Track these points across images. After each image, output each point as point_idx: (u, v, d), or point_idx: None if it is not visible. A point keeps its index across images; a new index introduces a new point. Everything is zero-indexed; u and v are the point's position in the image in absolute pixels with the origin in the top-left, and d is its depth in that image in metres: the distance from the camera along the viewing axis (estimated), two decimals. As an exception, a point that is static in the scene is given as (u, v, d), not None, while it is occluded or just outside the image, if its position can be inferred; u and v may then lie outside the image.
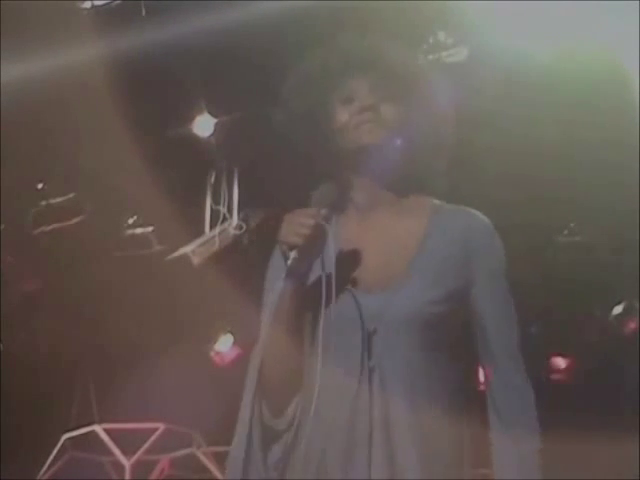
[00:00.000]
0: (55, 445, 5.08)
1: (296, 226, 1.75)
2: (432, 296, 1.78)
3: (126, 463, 4.88)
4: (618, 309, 5.60)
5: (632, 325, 5.61)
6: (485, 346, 1.85)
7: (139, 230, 5.36)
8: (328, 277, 1.76)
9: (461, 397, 1.82)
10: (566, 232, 5.34)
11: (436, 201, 1.96)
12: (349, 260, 1.84)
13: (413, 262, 1.83)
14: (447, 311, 1.79)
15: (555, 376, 5.74)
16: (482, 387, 1.90)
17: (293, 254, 1.73)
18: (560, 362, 5.78)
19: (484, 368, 1.87)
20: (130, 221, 5.38)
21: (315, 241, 1.74)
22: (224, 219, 4.99)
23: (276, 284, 1.82)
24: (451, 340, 1.82)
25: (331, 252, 1.76)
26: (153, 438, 5.00)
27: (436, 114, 1.92)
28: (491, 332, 1.84)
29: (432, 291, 1.79)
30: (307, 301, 1.80)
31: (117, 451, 4.94)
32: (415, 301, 1.77)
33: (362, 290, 1.81)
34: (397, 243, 1.86)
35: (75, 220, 5.16)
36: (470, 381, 1.88)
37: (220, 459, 5.30)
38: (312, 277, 1.81)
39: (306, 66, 1.97)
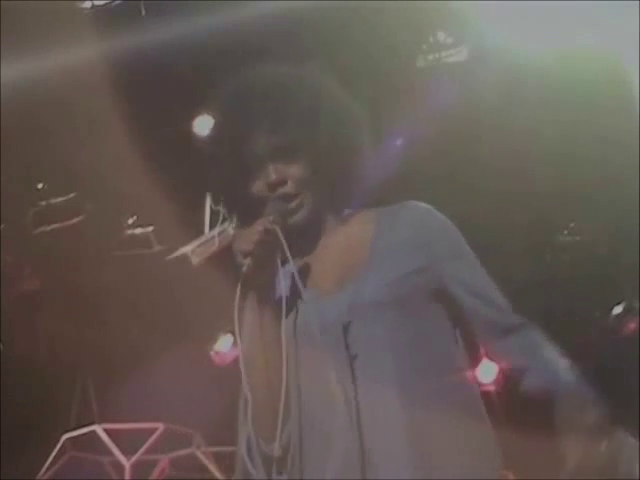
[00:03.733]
0: (55, 445, 5.07)
1: (247, 235, 1.82)
2: (393, 276, 1.83)
3: (126, 463, 4.88)
4: (618, 309, 5.59)
5: (632, 325, 5.60)
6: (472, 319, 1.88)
7: (139, 230, 5.36)
8: (292, 281, 1.83)
9: (449, 376, 1.83)
10: (566, 232, 5.33)
11: (374, 209, 2.00)
12: (307, 271, 1.90)
13: (369, 257, 1.89)
14: (414, 289, 1.84)
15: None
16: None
17: (247, 260, 1.79)
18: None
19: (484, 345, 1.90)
20: (130, 221, 5.38)
21: (267, 245, 1.80)
22: (224, 219, 4.98)
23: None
24: (434, 319, 1.86)
25: (288, 256, 1.81)
26: (153, 438, 4.99)
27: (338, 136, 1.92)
28: (469, 303, 1.87)
29: (392, 273, 1.84)
30: (278, 314, 1.83)
31: (117, 451, 4.93)
32: (378, 285, 1.82)
33: (326, 293, 1.87)
34: (350, 248, 1.92)
35: (75, 220, 5.16)
36: (460, 360, 1.89)
37: (220, 459, 5.30)
38: (278, 290, 1.86)
39: (218, 112, 2.03)
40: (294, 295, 1.86)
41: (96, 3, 4.25)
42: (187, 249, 4.93)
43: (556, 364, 1.84)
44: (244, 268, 1.79)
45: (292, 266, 1.82)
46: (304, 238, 1.93)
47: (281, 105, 1.90)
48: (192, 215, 4.99)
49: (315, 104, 1.93)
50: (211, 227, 5.05)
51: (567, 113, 4.16)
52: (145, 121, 4.47)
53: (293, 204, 1.89)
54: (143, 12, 4.17)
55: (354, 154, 1.95)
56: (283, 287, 1.83)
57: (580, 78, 4.02)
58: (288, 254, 1.81)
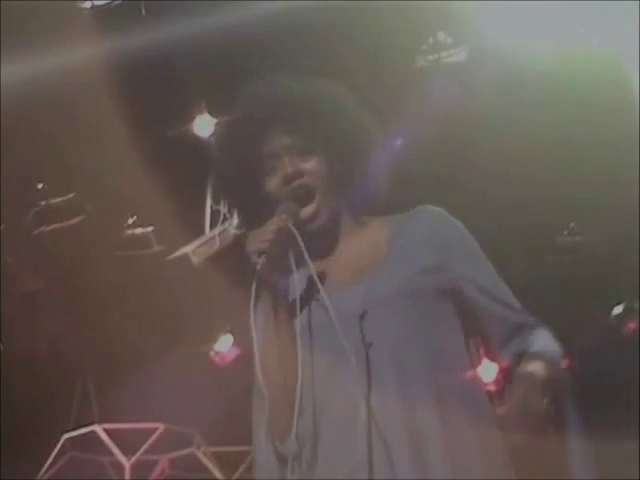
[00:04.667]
0: (55, 445, 5.07)
1: (260, 234, 1.84)
2: (407, 274, 1.87)
3: (126, 463, 4.88)
4: (618, 309, 5.60)
5: (632, 325, 5.61)
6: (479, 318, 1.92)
7: (139, 230, 5.36)
8: (307, 282, 1.85)
9: (461, 372, 1.86)
10: (566, 232, 5.33)
11: (388, 216, 2.04)
12: (322, 276, 1.90)
13: (384, 256, 1.92)
14: (426, 284, 1.87)
15: (555, 376, 5.72)
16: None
17: (261, 259, 1.79)
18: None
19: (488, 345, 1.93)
20: (130, 221, 5.38)
21: (281, 244, 1.82)
22: (224, 219, 4.99)
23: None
24: (441, 311, 1.89)
25: (304, 253, 1.83)
26: (153, 438, 4.99)
27: (356, 144, 1.99)
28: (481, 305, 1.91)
29: (406, 270, 1.87)
30: (292, 313, 1.85)
31: (117, 451, 4.93)
32: (392, 281, 1.86)
33: (340, 287, 1.89)
34: (366, 250, 1.96)
35: (75, 220, 5.16)
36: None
37: (220, 459, 5.30)
38: (292, 291, 1.88)
39: (234, 116, 2.06)
40: (309, 295, 1.87)
41: (96, 3, 4.25)
42: (188, 249, 4.93)
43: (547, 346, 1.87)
44: (258, 267, 1.80)
45: (311, 267, 1.84)
46: (320, 238, 1.95)
47: (298, 107, 1.96)
48: (192, 215, 5.00)
49: (331, 108, 1.99)
50: (211, 227, 5.06)
51: (567, 114, 4.16)
52: (145, 121, 4.46)
53: (307, 200, 1.92)
54: (143, 12, 4.17)
55: (367, 157, 2.00)
56: (298, 288, 1.84)
57: (580, 79, 4.02)
58: (305, 252, 1.83)
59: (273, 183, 1.95)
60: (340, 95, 2.04)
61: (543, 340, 1.90)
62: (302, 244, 1.83)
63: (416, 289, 1.85)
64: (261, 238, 1.82)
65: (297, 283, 1.85)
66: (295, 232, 1.83)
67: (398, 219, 2.00)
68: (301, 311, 1.84)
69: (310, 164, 1.94)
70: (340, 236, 1.99)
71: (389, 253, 1.92)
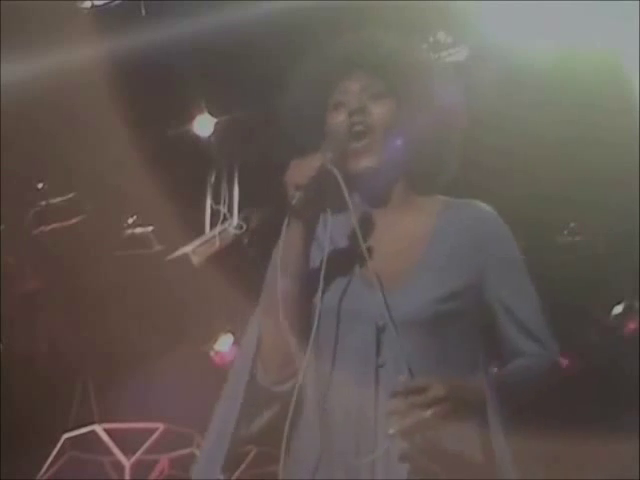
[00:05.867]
0: (55, 445, 5.07)
1: (302, 168, 1.74)
2: (439, 294, 1.77)
3: (126, 463, 4.87)
4: (618, 309, 5.60)
5: (632, 325, 5.61)
6: (507, 336, 1.85)
7: (139, 230, 5.36)
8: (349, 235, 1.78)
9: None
10: (566, 232, 5.34)
11: (442, 197, 1.96)
12: (357, 250, 1.81)
13: (421, 260, 1.82)
14: (456, 309, 1.79)
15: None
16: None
17: (298, 194, 1.71)
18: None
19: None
20: (130, 221, 5.38)
21: (321, 183, 1.73)
22: (224, 219, 5.00)
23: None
24: (463, 338, 1.80)
25: (345, 195, 1.74)
26: (153, 438, 4.99)
27: (438, 108, 1.89)
28: (510, 320, 1.85)
29: (439, 289, 1.78)
30: (316, 278, 1.77)
31: (117, 451, 4.93)
32: (422, 300, 1.76)
33: (371, 284, 1.78)
34: (405, 241, 1.85)
35: (75, 220, 5.16)
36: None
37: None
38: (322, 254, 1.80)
39: (303, 72, 1.98)
40: (349, 253, 1.79)
41: (96, 3, 4.24)
42: (188, 249, 4.94)
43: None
44: (294, 201, 1.71)
45: (354, 219, 1.76)
46: (368, 184, 1.87)
47: (382, 52, 1.88)
48: (192, 215, 5.00)
49: (416, 62, 1.92)
50: (211, 227, 5.07)
51: (567, 113, 4.16)
52: (145, 121, 4.47)
53: (363, 143, 1.83)
54: (143, 12, 4.17)
55: (442, 122, 1.91)
56: (331, 238, 1.78)
57: (580, 78, 4.02)
58: (348, 200, 1.73)
59: (336, 118, 1.87)
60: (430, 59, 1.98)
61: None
62: (346, 192, 1.73)
63: (439, 314, 1.76)
64: (302, 172, 1.72)
65: (329, 228, 1.77)
66: (337, 173, 1.72)
67: (447, 209, 1.90)
68: (336, 272, 1.77)
69: (379, 107, 1.85)
70: (390, 199, 1.89)
71: (425, 256, 1.82)
